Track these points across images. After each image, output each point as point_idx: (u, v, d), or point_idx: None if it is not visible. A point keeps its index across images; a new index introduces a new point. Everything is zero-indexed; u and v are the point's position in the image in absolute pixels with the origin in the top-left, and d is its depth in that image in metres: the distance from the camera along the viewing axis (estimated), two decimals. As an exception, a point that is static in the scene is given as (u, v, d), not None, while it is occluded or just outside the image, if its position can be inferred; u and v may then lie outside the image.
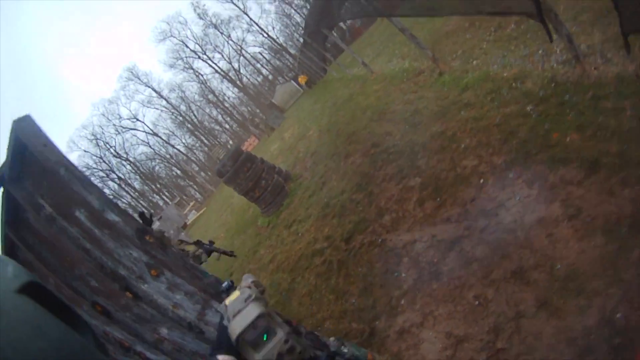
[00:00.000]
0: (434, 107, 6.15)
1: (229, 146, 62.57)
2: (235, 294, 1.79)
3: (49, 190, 3.05)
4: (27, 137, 2.88)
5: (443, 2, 5.06)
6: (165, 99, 63.57)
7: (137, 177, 64.02)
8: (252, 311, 1.41)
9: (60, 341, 0.75)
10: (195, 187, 68.18)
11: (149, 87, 62.82)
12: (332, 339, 2.99)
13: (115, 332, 2.93)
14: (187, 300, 2.99)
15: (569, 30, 3.92)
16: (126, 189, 63.04)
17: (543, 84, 4.41)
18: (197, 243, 5.37)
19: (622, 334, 2.17)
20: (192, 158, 67.02)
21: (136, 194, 64.44)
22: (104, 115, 61.50)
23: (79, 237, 3.04)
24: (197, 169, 67.39)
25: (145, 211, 4.79)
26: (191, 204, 48.05)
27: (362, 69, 13.49)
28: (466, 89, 5.78)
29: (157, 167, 66.02)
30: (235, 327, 1.40)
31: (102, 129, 61.21)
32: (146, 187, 64.99)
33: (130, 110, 63.09)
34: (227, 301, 1.78)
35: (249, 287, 1.87)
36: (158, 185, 64.97)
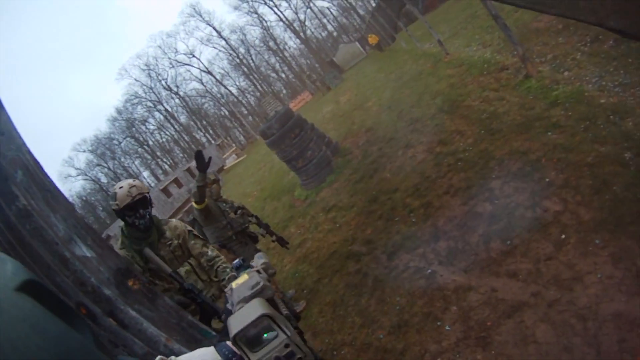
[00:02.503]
0: (517, 116, 5.38)
1: (282, 95, 62.87)
2: (243, 277, 1.62)
3: None
4: None
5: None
6: (225, 39, 64.48)
7: (185, 111, 66.03)
8: (254, 310, 1.24)
9: (59, 339, 0.75)
10: (240, 129, 69.50)
11: (210, 25, 63.88)
12: None
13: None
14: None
15: None
16: (171, 121, 65.09)
17: (645, 128, 3.64)
18: (257, 219, 5.10)
19: None
20: (243, 101, 67.96)
21: (181, 127, 66.38)
22: (160, 47, 63.82)
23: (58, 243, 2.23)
24: (245, 112, 68.22)
25: (204, 152, 4.30)
26: (233, 148, 48.45)
27: (436, 47, 12.58)
28: (555, 104, 4.99)
29: (206, 105, 68.33)
30: (234, 325, 1.22)
31: (157, 60, 63.82)
32: (192, 123, 66.83)
33: (187, 46, 65.95)
34: (234, 284, 1.61)
35: (259, 272, 1.68)
36: (204, 123, 66.46)
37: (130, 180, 3.17)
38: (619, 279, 2.65)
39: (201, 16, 62.91)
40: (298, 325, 1.74)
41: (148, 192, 3.20)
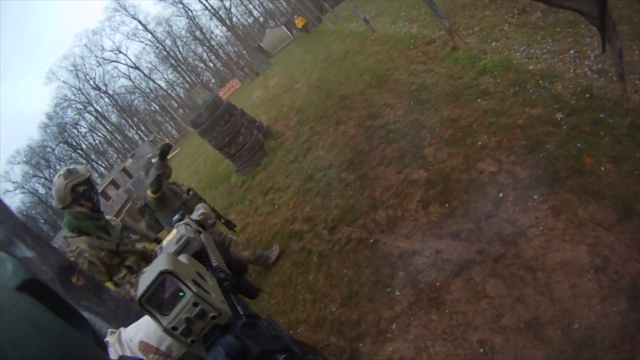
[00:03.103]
0: (446, 86, 5.48)
1: (210, 85, 61.90)
2: (172, 233, 1.54)
3: None
4: None
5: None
6: (150, 33, 64.04)
7: (115, 110, 64.78)
8: (155, 268, 1.09)
9: (60, 338, 0.71)
10: (172, 123, 68.64)
11: (135, 19, 63.35)
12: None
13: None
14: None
15: (622, 44, 3.27)
16: (103, 122, 63.56)
17: (575, 92, 3.81)
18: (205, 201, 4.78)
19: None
20: (172, 94, 67.06)
21: (113, 127, 64.86)
22: (86, 46, 62.83)
23: None
24: (175, 105, 67.25)
25: (168, 143, 4.24)
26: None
27: (362, 25, 12.70)
28: (484, 72, 5.12)
29: (135, 101, 67.83)
30: (141, 284, 1.08)
31: (84, 60, 62.68)
32: (123, 121, 65.59)
33: (113, 42, 65.28)
34: (165, 241, 1.53)
35: (187, 225, 1.62)
36: (135, 120, 65.15)
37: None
38: (561, 230, 2.74)
39: (126, 10, 62.18)
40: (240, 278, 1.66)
41: None
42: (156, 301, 1.07)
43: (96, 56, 61.83)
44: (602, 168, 2.94)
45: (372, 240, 3.94)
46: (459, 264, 3.03)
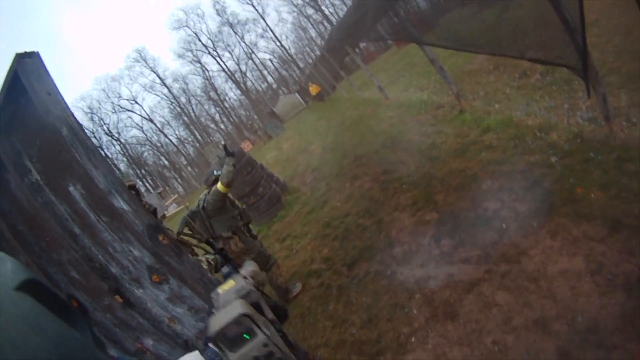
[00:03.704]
0: (453, 144, 6.06)
1: (220, 146, 62.68)
2: (230, 283, 1.71)
3: (41, 152, 2.47)
4: (27, 78, 2.30)
5: (485, 38, 4.98)
6: (167, 87, 65.02)
7: (125, 159, 64.38)
8: (234, 310, 1.29)
9: (58, 338, 0.75)
10: (179, 180, 68.38)
11: (154, 72, 64.38)
12: None
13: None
14: (190, 315, 2.59)
15: (605, 89, 3.89)
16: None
17: (568, 139, 4.36)
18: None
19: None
20: (182, 151, 67.35)
21: (121, 175, 64.49)
22: (104, 90, 62.89)
23: (68, 218, 2.50)
24: (185, 162, 67.47)
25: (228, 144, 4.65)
26: (173, 196, 47.51)
27: (376, 93, 13.46)
28: (487, 130, 5.72)
29: (145, 154, 66.73)
30: (213, 325, 1.29)
31: (100, 104, 62.41)
32: (131, 171, 65.32)
33: (130, 92, 64.73)
34: (220, 289, 1.70)
35: (245, 278, 1.78)
36: (143, 172, 65.12)
37: None
38: (558, 247, 3.18)
39: (146, 62, 63.54)
40: (282, 328, 1.80)
41: None
42: (227, 339, 1.26)
43: (112, 102, 62.58)
44: (592, 195, 3.40)
45: (389, 272, 4.34)
46: (469, 282, 3.44)
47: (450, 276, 3.66)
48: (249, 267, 2.08)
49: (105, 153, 62.18)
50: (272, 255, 5.26)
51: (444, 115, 7.59)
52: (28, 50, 2.32)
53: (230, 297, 1.60)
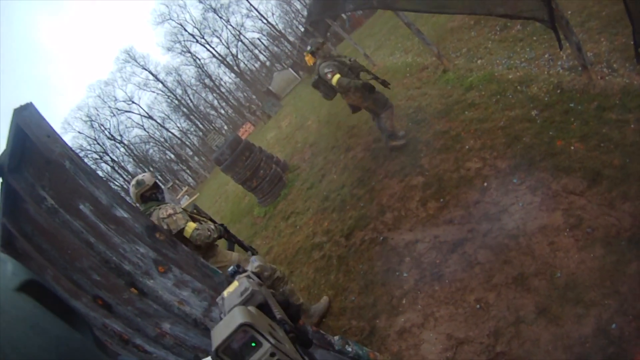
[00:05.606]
0: (438, 105, 6.17)
1: (223, 132, 62.74)
2: (234, 285, 1.61)
3: (51, 182, 2.91)
4: (28, 126, 2.70)
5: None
6: (161, 82, 63.96)
7: (131, 159, 64.44)
8: (233, 320, 1.19)
9: (59, 339, 0.75)
10: (188, 171, 68.53)
11: (145, 69, 63.26)
12: (336, 337, 3.02)
13: (115, 325, 2.94)
14: (194, 297, 2.95)
15: (578, 38, 3.92)
16: (119, 171, 63.40)
17: (548, 90, 4.45)
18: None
19: (616, 344, 2.22)
20: (187, 142, 67.36)
21: (129, 176, 64.79)
22: (99, 97, 62.11)
23: (83, 231, 2.92)
24: (190, 153, 67.56)
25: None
26: (184, 189, 47.89)
27: (363, 61, 13.41)
28: (470, 88, 5.80)
29: (150, 151, 66.68)
30: (217, 336, 1.19)
31: (97, 110, 61.80)
32: (139, 170, 65.20)
33: (126, 93, 63.95)
34: (225, 292, 1.57)
35: (249, 277, 1.67)
36: (151, 169, 65.27)
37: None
38: (538, 202, 3.31)
39: (136, 61, 62.63)
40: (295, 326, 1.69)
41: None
42: (231, 351, 1.15)
43: (109, 107, 62.07)
44: (572, 147, 3.51)
45: (381, 238, 4.54)
46: (453, 243, 3.62)
47: (436, 237, 3.84)
48: (255, 262, 2.11)
49: (110, 157, 62.16)
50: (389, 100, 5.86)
51: (428, 77, 7.66)
52: (22, 103, 2.70)
53: (234, 300, 1.51)
